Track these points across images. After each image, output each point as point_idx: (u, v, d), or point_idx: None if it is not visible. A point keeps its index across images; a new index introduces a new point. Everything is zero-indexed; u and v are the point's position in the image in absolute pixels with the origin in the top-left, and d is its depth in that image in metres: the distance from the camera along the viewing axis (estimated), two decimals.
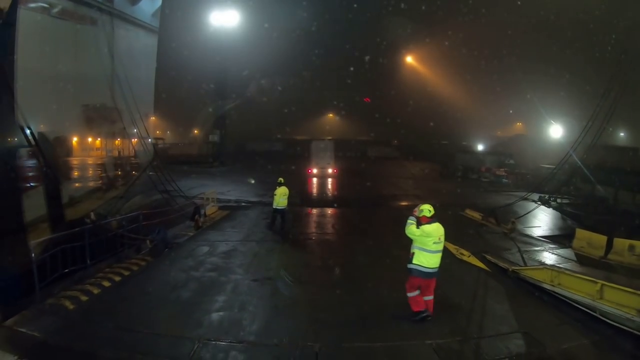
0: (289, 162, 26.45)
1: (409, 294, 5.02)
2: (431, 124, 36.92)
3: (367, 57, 37.27)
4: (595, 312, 5.27)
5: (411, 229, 4.94)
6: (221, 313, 5.20)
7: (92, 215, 6.90)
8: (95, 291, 5.83)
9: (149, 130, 11.08)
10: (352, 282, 6.66)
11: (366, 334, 4.71)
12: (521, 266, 7.36)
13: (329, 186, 21.91)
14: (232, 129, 39.27)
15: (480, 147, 35.26)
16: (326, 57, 38.52)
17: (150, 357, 4.16)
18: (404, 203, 16.51)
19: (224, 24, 29.30)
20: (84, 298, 5.60)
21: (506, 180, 23.61)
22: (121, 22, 13.59)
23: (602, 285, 5.22)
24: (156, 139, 39.84)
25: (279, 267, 7.19)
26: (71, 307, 5.33)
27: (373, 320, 5.13)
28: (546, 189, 17.69)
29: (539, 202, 17.09)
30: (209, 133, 38.00)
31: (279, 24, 32.65)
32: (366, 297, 5.94)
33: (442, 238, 5.04)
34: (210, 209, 12.13)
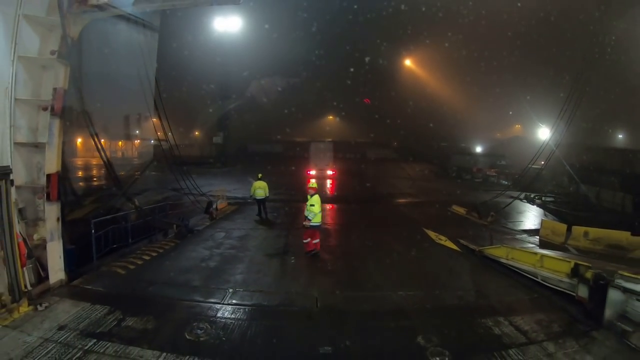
0: (289, 164, 27.99)
1: (307, 241, 8.04)
2: (430, 125, 38.12)
3: (367, 59, 38.18)
4: (537, 278, 6.82)
5: (317, 206, 7.90)
6: (243, 275, 6.85)
7: (136, 202, 8.45)
8: (139, 262, 7.40)
9: (165, 133, 12.35)
10: (343, 258, 8.32)
11: (353, 288, 6.31)
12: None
13: (328, 186, 23.45)
14: (234, 130, 40.73)
15: (478, 149, 36.64)
16: (326, 58, 39.10)
17: (194, 300, 5.72)
18: (400, 200, 18.10)
19: (225, 25, 29.95)
20: (131, 267, 7.17)
21: (495, 180, 25.13)
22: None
23: (542, 255, 6.78)
24: (158, 140, 41.30)
25: (285, 246, 8.79)
26: (122, 272, 6.90)
27: (359, 280, 6.73)
28: (532, 187, 19.31)
29: (524, 200, 18.71)
30: (211, 134, 39.46)
31: (279, 25, 33.66)
32: (355, 266, 7.54)
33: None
34: (221, 204, 13.68)
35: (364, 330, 4.88)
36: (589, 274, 5.78)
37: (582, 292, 5.87)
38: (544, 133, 29.73)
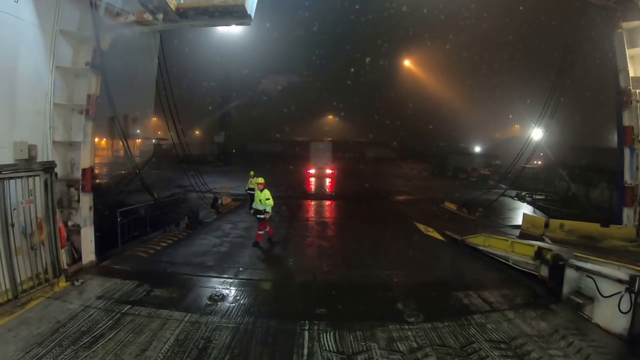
0: (288, 162, 29.01)
1: (261, 232, 8.92)
2: (430, 126, 39.01)
3: (367, 59, 38.88)
4: (509, 261, 7.83)
5: (271, 199, 8.86)
6: (250, 258, 7.93)
7: (155, 194, 9.47)
8: (158, 248, 8.44)
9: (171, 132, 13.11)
10: (339, 246, 9.36)
11: (347, 268, 7.34)
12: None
13: (327, 184, 24.48)
14: (234, 130, 41.70)
15: (477, 149, 37.56)
16: (326, 58, 39.62)
17: (210, 276, 6.74)
18: (396, 198, 19.13)
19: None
20: (151, 251, 8.20)
21: (490, 179, 26.13)
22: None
23: (512, 242, 7.80)
24: (159, 139, 42.32)
25: (287, 236, 9.83)
26: (145, 255, 7.93)
27: (353, 262, 7.76)
28: (524, 186, 20.32)
29: (515, 197, 19.72)
30: (211, 133, 40.33)
31: (280, 25, 34.31)
32: (349, 252, 8.56)
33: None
34: (226, 200, 14.70)
35: (353, 298, 5.91)
36: (549, 256, 6.79)
37: (544, 271, 6.88)
38: (535, 133, 30.94)
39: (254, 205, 9.33)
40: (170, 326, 5.03)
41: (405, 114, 39.10)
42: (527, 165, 24.95)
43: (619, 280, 5.39)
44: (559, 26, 14.46)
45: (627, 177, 9.21)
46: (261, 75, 42.31)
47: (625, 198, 9.29)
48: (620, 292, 5.31)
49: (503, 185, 25.50)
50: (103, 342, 4.71)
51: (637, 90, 9.28)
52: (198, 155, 35.02)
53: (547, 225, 10.99)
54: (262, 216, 8.93)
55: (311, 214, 13.93)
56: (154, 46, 10.44)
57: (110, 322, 5.20)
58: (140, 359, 4.36)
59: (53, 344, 4.67)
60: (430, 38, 37.24)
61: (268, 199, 8.91)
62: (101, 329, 5.01)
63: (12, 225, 5.68)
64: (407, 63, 44.31)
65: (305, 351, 4.48)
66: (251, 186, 13.27)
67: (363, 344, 4.68)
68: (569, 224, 10.47)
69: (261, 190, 9.02)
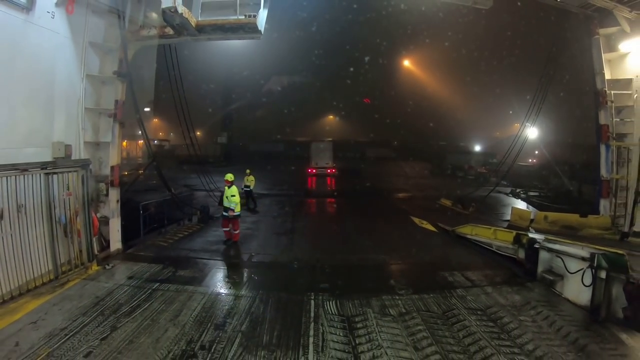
0: (290, 163, 29.97)
1: (228, 229, 9.01)
2: (431, 125, 39.70)
3: (366, 58, 39.21)
4: (492, 247, 8.79)
5: (237, 196, 8.92)
6: (260, 246, 8.93)
7: (173, 190, 10.44)
8: (175, 238, 9.42)
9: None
10: (340, 235, 10.37)
11: (346, 253, 8.34)
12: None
13: (328, 183, 25.45)
14: (236, 130, 42.62)
15: (477, 148, 38.37)
16: (326, 58, 40.03)
17: (226, 260, 7.70)
18: (394, 195, 20.09)
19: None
20: (170, 241, 9.18)
21: (488, 176, 27.07)
22: None
23: (495, 229, 8.76)
24: (161, 140, 43.31)
25: (291, 229, 10.82)
26: (165, 244, 8.90)
27: (352, 248, 8.73)
28: (520, 183, 21.28)
29: (510, 194, 20.66)
30: (213, 134, 41.21)
31: (280, 25, 34.70)
32: (348, 241, 9.54)
33: None
34: None
35: (352, 276, 6.91)
36: (525, 240, 7.75)
37: (521, 254, 7.84)
38: (525, 132, 31.89)
39: (223, 203, 9.22)
40: (196, 298, 6.00)
41: (406, 113, 39.53)
42: (522, 163, 26.06)
43: (582, 258, 6.34)
44: (544, 33, 15.42)
45: (603, 172, 10.17)
46: (261, 77, 42.96)
47: (602, 190, 10.24)
48: (583, 269, 6.25)
49: (504, 182, 26.55)
50: (140, 310, 5.66)
51: (612, 92, 10.25)
52: (198, 155, 35.89)
53: (533, 217, 11.95)
54: (226, 214, 9.01)
55: (313, 209, 14.92)
56: (153, 51, 11.29)
57: (144, 295, 6.16)
58: (174, 322, 5.31)
59: (96, 313, 5.61)
60: (429, 35, 37.62)
61: (234, 195, 8.92)
62: (137, 301, 5.96)
63: (55, 214, 6.64)
64: (406, 62, 44.89)
65: (312, 314, 5.44)
66: (247, 184, 14.24)
67: (360, 309, 5.64)
68: (552, 215, 11.43)
69: (229, 187, 9.08)
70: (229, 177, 9.19)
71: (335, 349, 4.62)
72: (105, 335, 4.95)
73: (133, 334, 4.98)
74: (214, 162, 33.57)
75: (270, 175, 22.03)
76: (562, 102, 17.99)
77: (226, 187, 9.15)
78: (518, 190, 21.41)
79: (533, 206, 18.45)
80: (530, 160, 28.15)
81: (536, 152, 26.91)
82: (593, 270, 6.04)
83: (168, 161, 28.78)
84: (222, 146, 36.32)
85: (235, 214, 8.89)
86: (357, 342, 4.79)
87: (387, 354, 4.56)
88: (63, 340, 4.83)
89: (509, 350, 4.78)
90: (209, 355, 4.48)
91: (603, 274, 5.92)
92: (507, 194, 20.76)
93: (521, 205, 18.79)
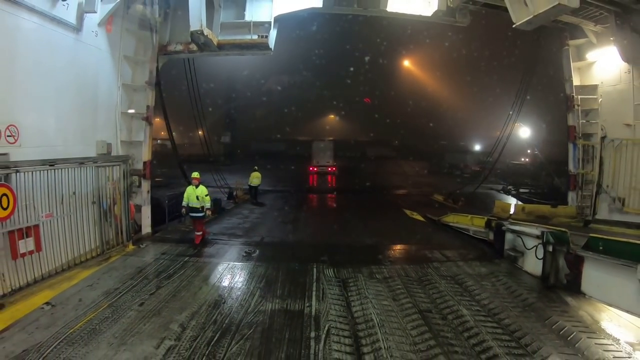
0: (291, 161, 31.53)
1: (199, 233, 9.22)
2: (431, 124, 40.89)
3: (366, 58, 39.90)
4: (469, 232, 10.34)
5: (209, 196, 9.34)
6: (269, 231, 10.54)
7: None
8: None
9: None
10: (338, 223, 11.92)
11: (343, 236, 9.95)
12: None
13: (329, 180, 27.03)
14: (238, 130, 43.99)
15: (477, 147, 39.65)
16: (326, 58, 40.76)
17: (241, 240, 9.30)
18: (391, 191, 21.66)
19: None
20: (190, 227, 10.72)
21: (483, 175, 28.51)
22: None
23: (472, 217, 10.32)
24: (163, 140, 44.67)
25: (295, 218, 12.41)
26: (187, 230, 10.49)
27: (348, 233, 10.30)
28: (510, 180, 22.82)
29: (501, 191, 22.19)
30: (215, 133, 42.52)
31: (279, 23, 35.19)
32: (345, 228, 11.11)
33: None
34: (239, 193, 17.26)
35: (347, 252, 8.51)
36: (494, 224, 9.31)
37: (491, 236, 9.39)
38: (524, 132, 33.48)
39: (189, 204, 8.94)
40: (221, 267, 7.61)
41: (406, 113, 40.62)
42: (515, 162, 27.53)
43: (536, 237, 7.87)
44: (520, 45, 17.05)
45: (571, 167, 11.71)
46: (261, 77, 44.06)
47: (570, 184, 11.78)
48: (536, 245, 7.79)
49: (501, 181, 28.04)
50: (176, 276, 7.24)
51: (580, 96, 11.77)
52: (201, 154, 37.25)
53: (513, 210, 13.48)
54: (200, 214, 9.00)
55: (314, 203, 16.53)
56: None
57: (178, 265, 7.75)
58: (205, 282, 6.90)
59: (141, 278, 7.17)
60: (429, 36, 38.39)
61: (207, 195, 8.94)
62: (173, 269, 7.55)
63: (101, 201, 8.22)
64: (406, 62, 45.82)
65: (314, 277, 7.04)
66: (254, 180, 15.76)
67: (352, 274, 7.23)
68: (528, 207, 12.98)
69: (196, 186, 8.98)
70: (196, 175, 9.18)
71: (332, 299, 6.20)
72: (153, 291, 6.51)
73: (175, 290, 6.54)
74: (216, 161, 35.01)
75: (272, 173, 23.57)
76: (551, 104, 19.52)
77: (192, 187, 9.01)
78: (509, 187, 22.94)
79: (521, 201, 20.01)
80: (522, 159, 29.66)
81: (528, 151, 28.39)
82: (543, 245, 7.58)
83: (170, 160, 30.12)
84: (226, 146, 37.75)
85: (209, 212, 9.13)
86: (349, 294, 6.37)
87: (371, 302, 6.12)
88: (118, 296, 6.36)
89: (468, 304, 6.31)
90: (237, 302, 6.05)
91: (550, 248, 7.45)
92: (498, 191, 22.30)
93: (511, 200, 20.37)
